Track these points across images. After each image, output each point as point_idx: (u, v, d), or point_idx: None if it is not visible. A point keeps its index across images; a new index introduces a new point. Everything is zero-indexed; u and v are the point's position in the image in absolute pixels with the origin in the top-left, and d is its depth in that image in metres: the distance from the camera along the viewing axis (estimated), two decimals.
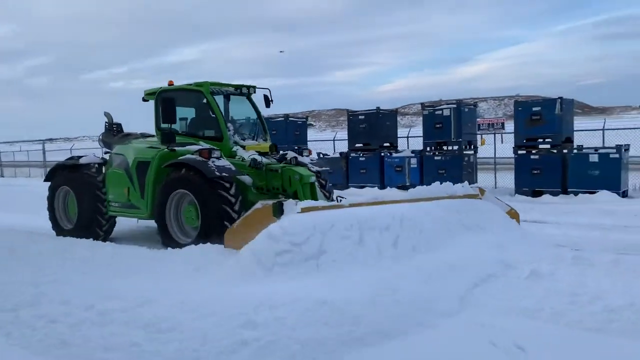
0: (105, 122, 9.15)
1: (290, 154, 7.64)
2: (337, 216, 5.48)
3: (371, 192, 13.48)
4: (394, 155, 14.81)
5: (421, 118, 14.34)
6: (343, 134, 17.42)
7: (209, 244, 6.46)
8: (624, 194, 11.79)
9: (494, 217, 6.32)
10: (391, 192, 12.32)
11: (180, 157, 7.21)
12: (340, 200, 7.02)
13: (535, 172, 12.62)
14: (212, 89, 7.84)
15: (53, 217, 8.69)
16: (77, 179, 8.38)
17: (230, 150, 7.52)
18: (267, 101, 8.61)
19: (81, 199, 8.26)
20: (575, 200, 11.82)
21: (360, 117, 15.62)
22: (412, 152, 14.54)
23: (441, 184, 6.75)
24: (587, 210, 10.62)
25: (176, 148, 7.45)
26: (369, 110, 15.49)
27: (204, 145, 7.59)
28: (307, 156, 7.99)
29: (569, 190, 12.26)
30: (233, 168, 6.99)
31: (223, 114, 7.78)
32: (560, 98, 12.58)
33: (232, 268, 5.41)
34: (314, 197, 6.82)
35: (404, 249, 5.33)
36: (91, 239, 7.92)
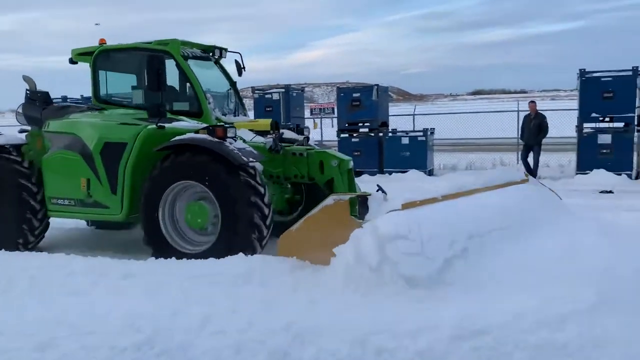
0: (27, 90, 6.28)
1: (288, 133, 6.07)
2: (463, 215, 4.41)
3: None
4: None
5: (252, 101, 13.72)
6: None
7: (257, 255, 4.78)
8: (430, 173, 13.52)
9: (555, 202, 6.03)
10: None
11: (181, 137, 5.22)
12: (378, 191, 5.66)
13: (356, 153, 13.31)
14: (183, 51, 5.92)
15: None
16: None
17: None
18: (239, 68, 6.84)
19: None
20: (389, 178, 12.97)
21: None
22: None
23: None
24: (398, 187, 11.87)
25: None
26: None
27: (189, 121, 5.75)
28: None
29: (384, 170, 13.41)
30: (255, 151, 5.28)
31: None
32: (377, 85, 13.59)
33: (334, 287, 4.03)
34: (353, 188, 5.62)
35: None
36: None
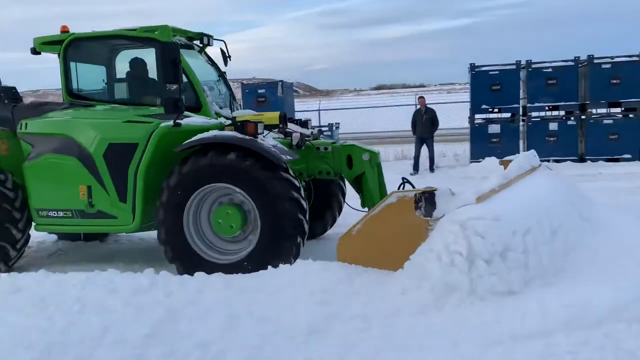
0: None
1: (294, 127, 5.55)
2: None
3: None
4: None
5: None
6: None
7: (322, 261, 4.22)
8: None
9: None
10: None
11: (212, 135, 4.69)
12: (403, 184, 5.34)
13: None
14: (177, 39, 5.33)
15: None
16: None
17: None
18: (225, 57, 6.26)
19: None
20: None
21: None
22: None
23: None
24: None
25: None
26: None
27: (198, 117, 5.24)
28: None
29: None
30: (286, 148, 4.87)
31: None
32: (282, 81, 13.46)
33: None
34: (382, 182, 5.35)
35: None
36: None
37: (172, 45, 4.79)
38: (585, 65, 12.14)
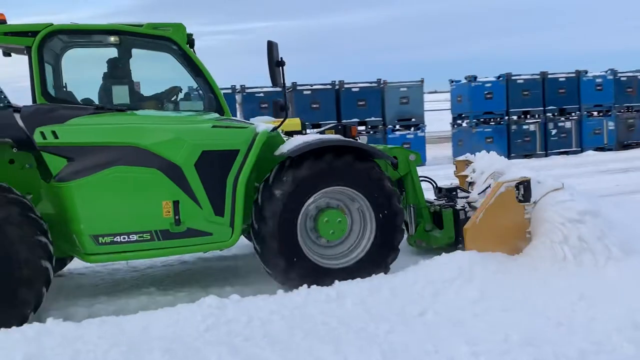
0: None
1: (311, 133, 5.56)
2: None
3: None
4: None
5: None
6: None
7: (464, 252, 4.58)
8: None
9: None
10: None
11: (326, 138, 4.69)
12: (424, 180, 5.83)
13: None
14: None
15: None
16: None
17: None
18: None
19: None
20: None
21: None
22: None
23: None
24: None
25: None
26: None
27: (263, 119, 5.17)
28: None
29: None
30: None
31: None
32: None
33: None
34: (418, 181, 5.53)
35: None
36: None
37: (275, 45, 4.42)
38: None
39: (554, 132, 14.13)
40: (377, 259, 4.63)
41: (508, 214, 4.58)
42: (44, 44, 4.24)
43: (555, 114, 14.24)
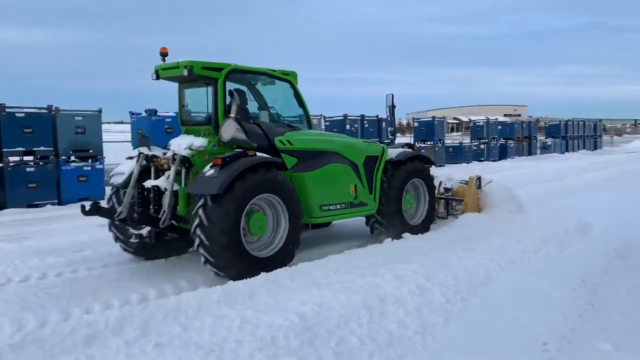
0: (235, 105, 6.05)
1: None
2: None
3: None
4: None
5: None
6: None
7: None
8: None
9: None
10: None
11: (408, 152, 7.87)
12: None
13: None
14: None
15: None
16: None
17: None
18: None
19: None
20: None
21: None
22: None
23: None
24: None
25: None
26: None
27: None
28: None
29: None
30: None
31: None
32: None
33: None
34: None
35: None
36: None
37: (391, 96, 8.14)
38: None
39: None
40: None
41: (474, 194, 8.64)
42: (226, 79, 6.22)
43: None
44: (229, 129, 5.88)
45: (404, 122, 56.37)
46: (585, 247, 6.84)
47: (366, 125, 20.04)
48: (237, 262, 5.46)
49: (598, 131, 38.03)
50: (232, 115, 5.96)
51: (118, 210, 5.81)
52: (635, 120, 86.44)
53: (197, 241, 5.42)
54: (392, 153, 7.59)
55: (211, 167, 5.55)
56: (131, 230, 5.97)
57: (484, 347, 3.89)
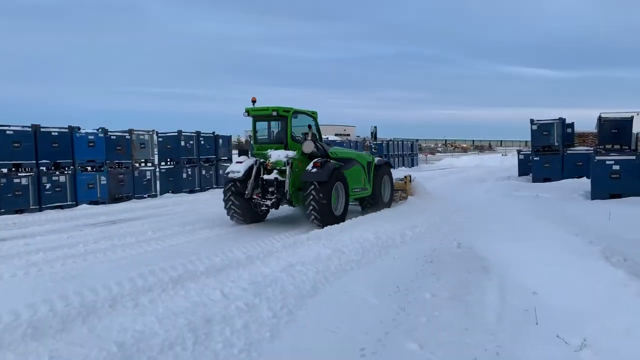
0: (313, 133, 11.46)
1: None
2: None
3: None
4: None
5: None
6: None
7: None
8: None
9: None
10: None
11: (380, 159, 13.49)
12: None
13: None
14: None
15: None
16: None
17: None
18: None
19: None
20: None
21: None
22: None
23: None
24: None
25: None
26: None
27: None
28: None
29: None
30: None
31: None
32: None
33: None
34: None
35: None
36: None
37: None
38: None
39: (48, 185, 13.86)
40: None
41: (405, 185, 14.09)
42: (292, 116, 10.96)
43: (50, 168, 14.08)
44: (309, 146, 10.58)
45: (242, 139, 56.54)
46: (400, 254, 7.51)
47: (202, 142, 19.66)
48: (330, 218, 10.10)
49: (415, 150, 42.17)
50: (309, 138, 10.74)
51: (246, 192, 10.47)
52: (446, 140, 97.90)
53: (310, 208, 9.96)
54: (376, 160, 12.87)
55: (313, 166, 10.18)
56: (261, 201, 10.46)
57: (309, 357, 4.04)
